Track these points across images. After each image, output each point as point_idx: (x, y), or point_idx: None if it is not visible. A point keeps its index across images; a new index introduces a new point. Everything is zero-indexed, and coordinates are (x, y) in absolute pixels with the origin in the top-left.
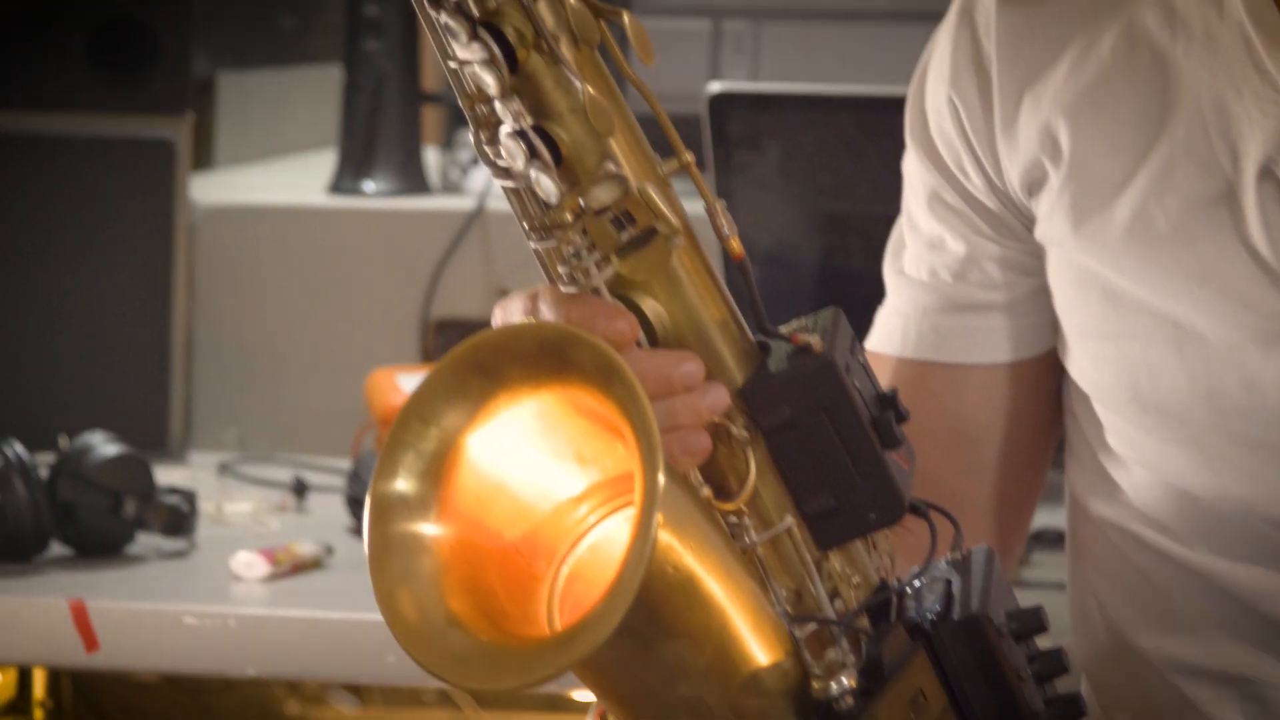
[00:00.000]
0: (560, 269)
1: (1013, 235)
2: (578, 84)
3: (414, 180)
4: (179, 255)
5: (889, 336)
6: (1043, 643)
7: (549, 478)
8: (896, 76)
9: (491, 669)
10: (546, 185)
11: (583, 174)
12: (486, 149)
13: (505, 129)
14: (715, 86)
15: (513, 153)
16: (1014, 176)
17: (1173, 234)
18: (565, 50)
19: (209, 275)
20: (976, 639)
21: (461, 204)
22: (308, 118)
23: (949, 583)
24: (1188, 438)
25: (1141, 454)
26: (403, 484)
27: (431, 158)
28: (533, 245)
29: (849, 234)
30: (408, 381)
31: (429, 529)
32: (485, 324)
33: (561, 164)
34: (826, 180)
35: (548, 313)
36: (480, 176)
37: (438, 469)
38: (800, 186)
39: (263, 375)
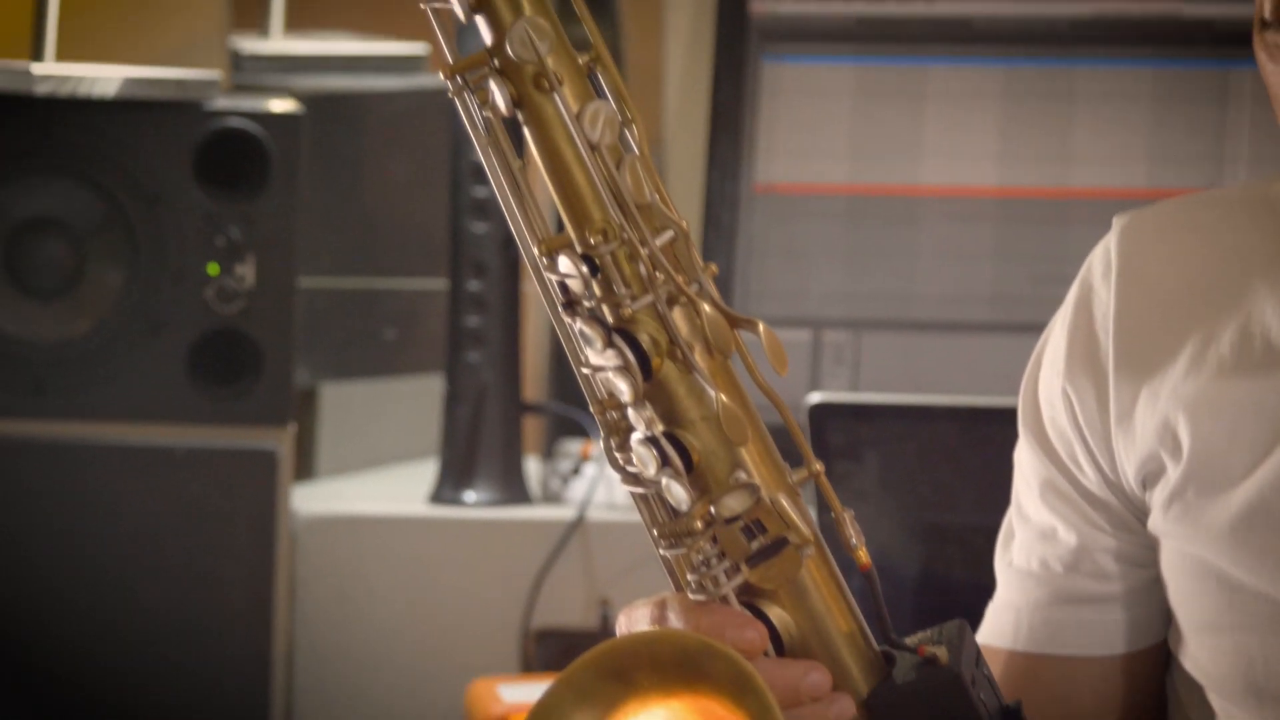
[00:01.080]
0: (689, 576)
1: (1126, 527)
2: (711, 393)
3: (515, 490)
4: (280, 565)
5: (1000, 630)
6: None
7: None
8: (996, 387)
9: None
10: (678, 493)
11: (714, 482)
12: (617, 455)
13: (637, 436)
14: (815, 397)
15: (644, 460)
16: (1129, 470)
17: None
18: (699, 359)
19: (310, 584)
20: None
21: (562, 514)
22: (409, 427)
23: None
24: None
25: None
26: None
27: (532, 468)
28: (661, 552)
29: (950, 544)
30: (508, 691)
31: None
32: (586, 634)
33: (693, 471)
34: (927, 490)
35: (677, 621)
36: (580, 486)
37: None
38: (901, 496)
39: (364, 684)
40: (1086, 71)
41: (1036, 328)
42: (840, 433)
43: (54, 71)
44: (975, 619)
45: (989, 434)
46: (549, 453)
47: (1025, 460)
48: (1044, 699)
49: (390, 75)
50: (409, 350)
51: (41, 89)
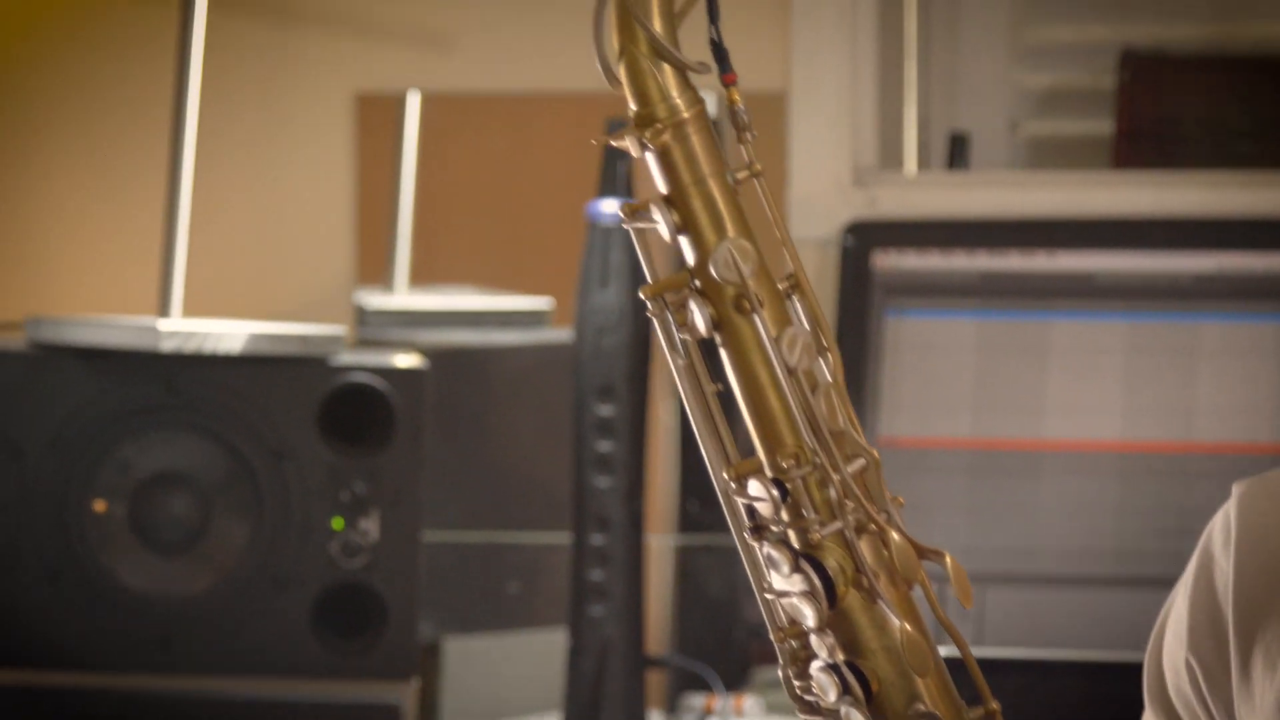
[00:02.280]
0: None
1: None
2: (896, 622)
3: None
4: None
5: None
6: None
7: None
8: (1121, 642)
9: None
10: None
11: (892, 712)
12: (795, 684)
13: (817, 663)
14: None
15: (824, 686)
16: None
17: None
18: (884, 588)
19: None
20: None
21: None
22: (532, 681)
23: None
24: None
25: None
26: None
27: None
28: None
29: None
30: None
31: None
32: None
33: (873, 701)
34: None
35: None
36: None
37: None
38: None
39: None
40: (1211, 326)
41: (1161, 582)
42: (964, 688)
43: (180, 328)
44: None
45: (1114, 690)
46: (672, 707)
47: None
48: None
49: (514, 330)
50: (532, 604)
51: (167, 345)
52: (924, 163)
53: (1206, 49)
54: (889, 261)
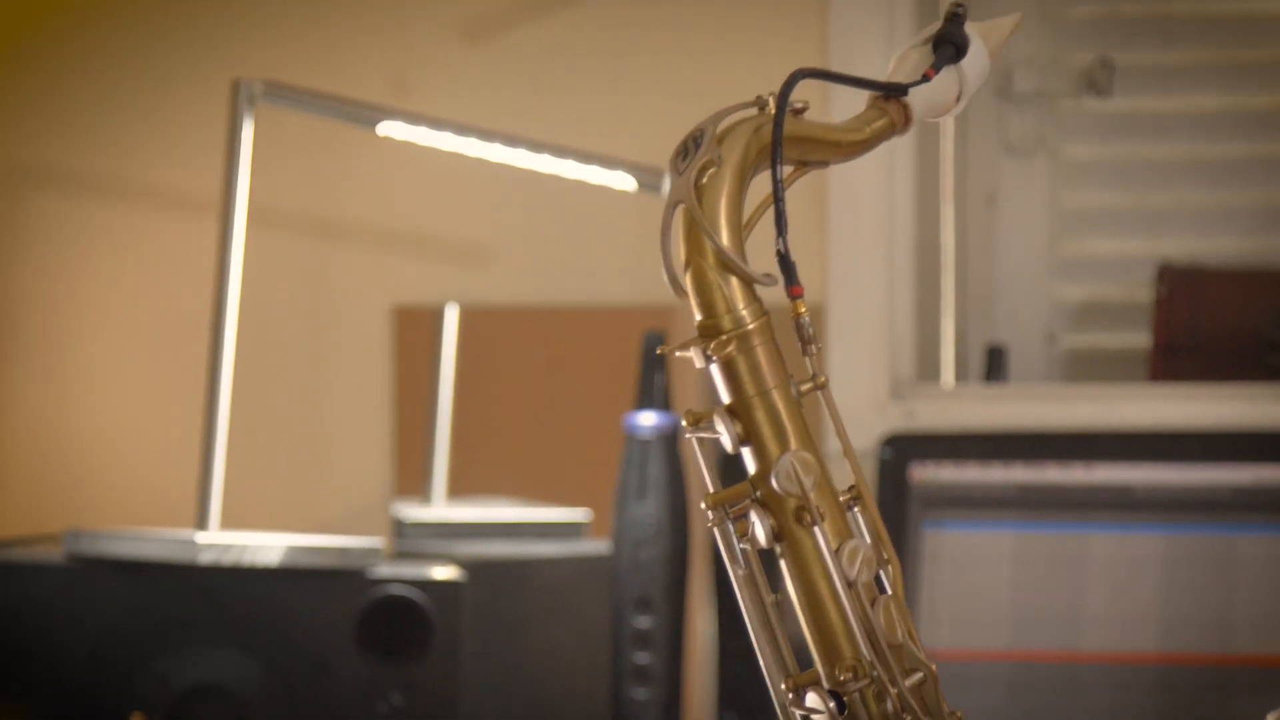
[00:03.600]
0: None
1: None
2: None
3: None
4: None
5: None
6: None
7: None
8: None
9: None
10: None
11: None
12: None
13: None
14: None
15: None
16: None
17: None
18: None
19: None
20: None
21: None
22: None
23: None
24: None
25: None
26: None
27: None
28: None
29: None
30: None
31: None
32: None
33: None
34: None
35: None
36: None
37: None
38: None
39: None
40: (1249, 539)
41: None
42: None
43: (218, 540)
44: None
45: None
46: None
47: None
48: None
49: (551, 542)
50: None
51: (205, 558)
52: (961, 375)
53: (1243, 263)
54: (926, 474)
